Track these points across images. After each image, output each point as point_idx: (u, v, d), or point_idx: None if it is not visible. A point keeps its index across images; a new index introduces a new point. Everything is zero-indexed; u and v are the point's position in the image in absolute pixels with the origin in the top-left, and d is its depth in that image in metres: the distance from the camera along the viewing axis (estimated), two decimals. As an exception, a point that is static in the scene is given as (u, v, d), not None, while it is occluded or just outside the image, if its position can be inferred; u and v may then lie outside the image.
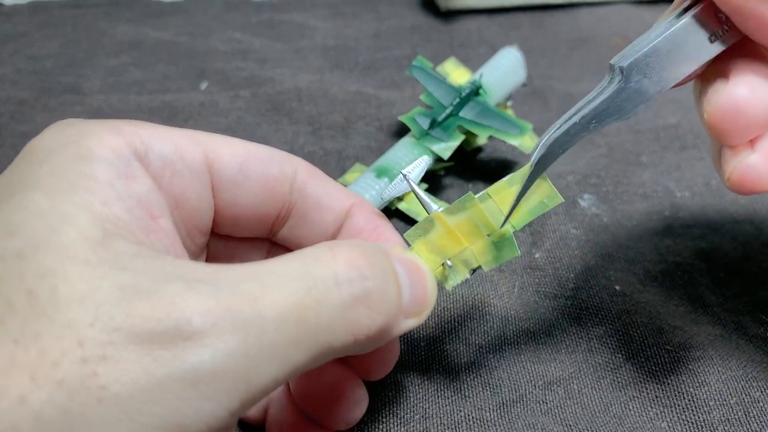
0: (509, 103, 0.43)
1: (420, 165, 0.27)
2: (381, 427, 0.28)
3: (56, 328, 0.17)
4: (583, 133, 0.24)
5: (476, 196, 0.25)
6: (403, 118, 0.37)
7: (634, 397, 0.29)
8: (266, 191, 0.24)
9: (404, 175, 0.26)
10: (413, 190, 0.26)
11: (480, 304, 0.33)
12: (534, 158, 0.24)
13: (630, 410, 0.29)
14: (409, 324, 0.22)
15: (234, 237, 0.26)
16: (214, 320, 0.18)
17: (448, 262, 0.25)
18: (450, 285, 0.26)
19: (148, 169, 0.21)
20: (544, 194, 0.25)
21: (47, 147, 0.20)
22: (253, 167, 0.24)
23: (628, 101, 0.23)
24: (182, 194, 0.22)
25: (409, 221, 0.36)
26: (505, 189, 0.25)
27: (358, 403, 0.25)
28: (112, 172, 0.20)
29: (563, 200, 0.26)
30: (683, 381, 0.30)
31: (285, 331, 0.18)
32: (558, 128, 0.24)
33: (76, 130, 0.21)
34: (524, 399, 0.29)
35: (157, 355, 0.17)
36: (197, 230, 0.24)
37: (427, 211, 0.26)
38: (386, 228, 0.26)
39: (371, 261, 0.21)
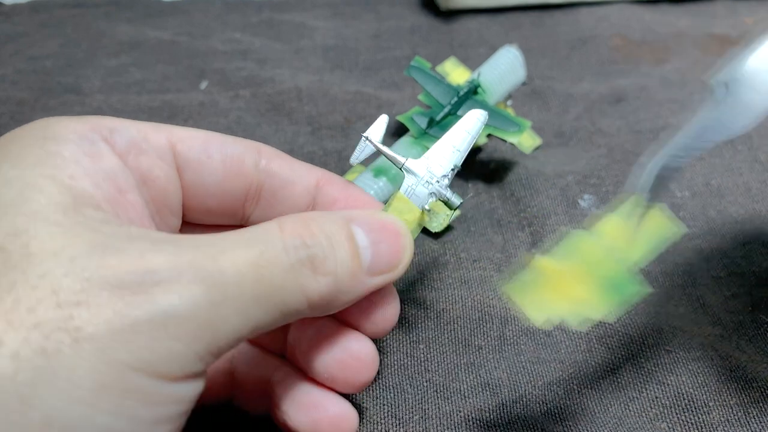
0: (509, 103, 0.43)
1: (379, 124, 0.28)
2: (380, 427, 0.28)
3: (31, 279, 0.18)
4: (690, 154, 0.23)
5: (581, 232, 0.24)
6: (401, 118, 0.37)
7: (633, 397, 0.29)
8: (230, 170, 0.25)
9: (366, 137, 0.27)
10: (378, 149, 0.27)
11: (480, 305, 0.32)
12: (643, 187, 0.23)
13: (630, 411, 0.29)
14: (377, 281, 0.24)
15: (208, 226, 0.26)
16: (179, 271, 0.19)
17: (426, 207, 0.26)
18: (435, 227, 0.27)
19: (113, 149, 0.23)
20: (663, 225, 0.24)
21: (15, 134, 0.22)
22: (214, 147, 0.25)
23: (735, 118, 0.22)
24: (149, 171, 0.24)
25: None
26: (616, 222, 0.24)
27: (370, 364, 0.26)
28: (78, 151, 0.21)
29: (686, 230, 0.25)
30: (683, 381, 0.30)
31: (244, 287, 0.20)
32: (662, 155, 0.23)
33: (44, 121, 0.22)
34: (524, 399, 0.29)
35: (129, 300, 0.18)
36: (167, 210, 0.25)
37: (396, 166, 0.27)
38: (359, 193, 0.27)
39: (314, 231, 0.22)
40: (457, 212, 0.27)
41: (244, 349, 0.28)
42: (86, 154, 0.21)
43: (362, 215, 0.24)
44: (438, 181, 0.27)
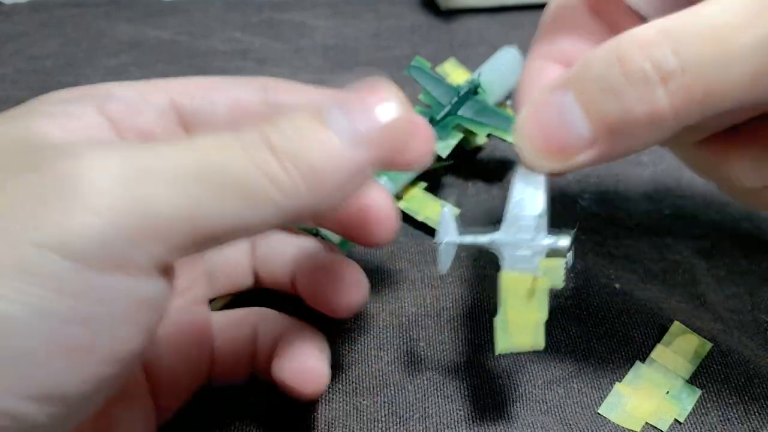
0: (509, 103, 0.43)
1: (447, 221, 0.25)
2: (380, 425, 0.28)
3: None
4: None
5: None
6: (402, 118, 0.37)
7: (634, 396, 0.29)
8: (237, 113, 0.24)
9: (441, 243, 0.25)
10: (462, 243, 0.25)
11: (480, 304, 0.32)
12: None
13: (630, 409, 0.29)
14: (361, 153, 0.20)
15: None
16: (96, 146, 0.18)
17: (538, 274, 0.23)
18: (559, 284, 0.24)
19: (110, 112, 0.22)
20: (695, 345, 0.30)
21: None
22: (217, 94, 0.24)
23: None
24: (149, 131, 0.23)
25: (409, 219, 0.36)
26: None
27: (358, 287, 0.27)
28: (62, 110, 0.22)
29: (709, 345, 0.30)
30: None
31: (172, 160, 0.18)
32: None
33: (38, 98, 0.23)
34: (524, 399, 0.29)
35: (37, 178, 0.17)
36: None
37: (490, 250, 0.24)
38: None
39: (273, 119, 0.20)
40: (570, 256, 0.23)
41: (269, 316, 0.28)
42: (68, 113, 0.22)
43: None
44: (533, 239, 0.24)
